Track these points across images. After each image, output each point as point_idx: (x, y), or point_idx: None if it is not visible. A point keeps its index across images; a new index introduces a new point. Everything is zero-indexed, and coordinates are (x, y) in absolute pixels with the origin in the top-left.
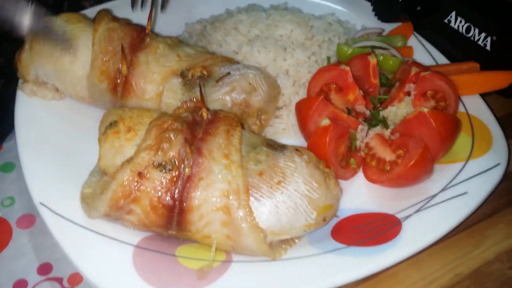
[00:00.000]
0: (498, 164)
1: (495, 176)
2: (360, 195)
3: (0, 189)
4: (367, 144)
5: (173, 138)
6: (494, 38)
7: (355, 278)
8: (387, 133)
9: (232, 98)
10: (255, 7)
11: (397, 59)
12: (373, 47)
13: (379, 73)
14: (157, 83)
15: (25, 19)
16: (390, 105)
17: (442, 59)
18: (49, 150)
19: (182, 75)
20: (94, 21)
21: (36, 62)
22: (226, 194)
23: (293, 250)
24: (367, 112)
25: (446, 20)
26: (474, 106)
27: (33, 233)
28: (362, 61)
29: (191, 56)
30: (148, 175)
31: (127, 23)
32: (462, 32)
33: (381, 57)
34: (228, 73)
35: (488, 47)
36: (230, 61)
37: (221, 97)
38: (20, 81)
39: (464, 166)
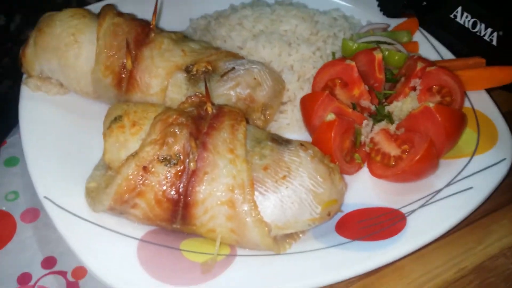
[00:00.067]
0: (503, 159)
1: (501, 171)
2: (364, 190)
3: (4, 183)
4: (372, 139)
5: (178, 132)
6: (501, 33)
7: (359, 272)
8: (392, 128)
9: (237, 93)
10: (260, 3)
11: (402, 54)
12: (379, 42)
13: (385, 68)
14: (162, 78)
15: None
16: (395, 100)
17: (447, 55)
18: (54, 144)
19: (187, 70)
20: (98, 16)
21: (40, 57)
22: (231, 188)
23: (297, 244)
24: (372, 107)
25: (452, 15)
26: (480, 101)
27: (37, 227)
28: (367, 56)
29: (195, 51)
30: (153, 169)
31: (131, 18)
32: (468, 27)
33: (387, 52)
34: (233, 68)
35: (494, 42)
36: (235, 56)
37: (226, 92)
38: (24, 76)
39: (469, 161)
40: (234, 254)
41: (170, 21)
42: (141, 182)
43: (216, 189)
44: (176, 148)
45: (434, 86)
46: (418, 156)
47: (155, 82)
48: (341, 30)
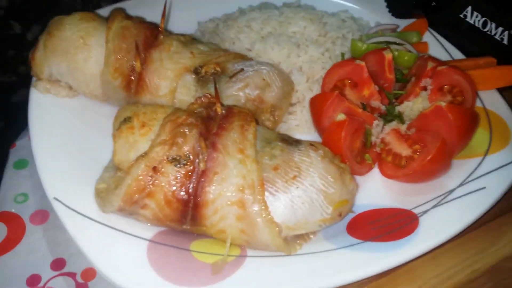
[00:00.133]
0: None
1: None
2: (376, 190)
3: (13, 185)
4: (382, 140)
5: (187, 132)
6: None
7: (371, 273)
8: (403, 128)
9: (246, 94)
10: (268, 5)
11: (412, 54)
12: (388, 43)
13: (394, 68)
14: (171, 79)
15: None
16: (406, 100)
17: (458, 55)
18: (63, 146)
19: (196, 71)
20: (107, 19)
21: (50, 60)
22: (241, 188)
23: (308, 245)
24: (383, 108)
25: (461, 15)
26: (492, 101)
27: (47, 228)
28: (377, 57)
29: (204, 53)
30: (162, 169)
31: (140, 21)
32: (479, 27)
33: (396, 53)
34: (242, 69)
35: (505, 41)
36: (244, 57)
37: (235, 93)
38: (33, 79)
39: (482, 161)
40: (244, 255)
41: (179, 24)
42: (150, 182)
43: (226, 189)
44: (186, 148)
45: (445, 86)
46: (430, 155)
47: (164, 84)
48: (349, 32)
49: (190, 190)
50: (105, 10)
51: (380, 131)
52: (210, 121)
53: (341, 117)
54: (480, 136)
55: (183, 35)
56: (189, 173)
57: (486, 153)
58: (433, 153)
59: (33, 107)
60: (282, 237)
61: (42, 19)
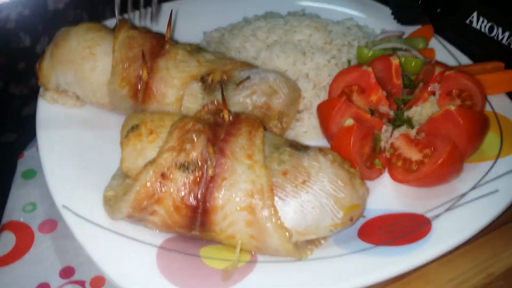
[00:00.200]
0: None
1: None
2: (386, 195)
3: (21, 195)
4: (392, 145)
5: (195, 139)
6: None
7: (383, 278)
8: (412, 133)
9: (253, 101)
10: (273, 14)
11: (419, 60)
12: (394, 49)
13: (402, 74)
14: (177, 88)
15: None
16: (414, 105)
17: (465, 60)
18: (71, 155)
19: (202, 80)
20: (114, 29)
21: (57, 70)
22: (250, 194)
23: (319, 250)
24: (391, 113)
25: (467, 21)
26: (501, 105)
27: (55, 237)
28: (384, 62)
29: (210, 62)
30: (171, 175)
31: (146, 31)
32: (485, 32)
33: (403, 59)
34: (248, 77)
35: None
36: (250, 65)
37: (242, 100)
38: (41, 89)
39: (493, 164)
40: (254, 261)
41: (184, 34)
42: (159, 188)
43: (235, 195)
44: (194, 154)
45: (454, 90)
46: (441, 159)
47: (171, 92)
48: (355, 39)
49: (199, 196)
50: (111, 22)
51: (389, 136)
52: (217, 128)
53: (349, 122)
54: (491, 139)
55: (189, 44)
56: (198, 179)
57: (498, 156)
58: (444, 157)
59: (40, 117)
60: (293, 242)
61: (51, 30)
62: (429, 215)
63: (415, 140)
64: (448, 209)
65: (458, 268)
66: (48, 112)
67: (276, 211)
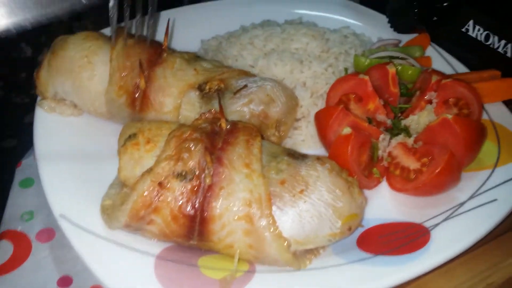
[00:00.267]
0: None
1: None
2: (385, 204)
3: (19, 204)
4: (389, 153)
5: (193, 147)
6: None
7: None
8: (410, 141)
9: (250, 110)
10: (270, 22)
11: (416, 68)
12: (391, 57)
13: (399, 82)
14: (175, 96)
15: None
16: (411, 114)
17: (461, 68)
18: (68, 164)
19: (200, 88)
20: (111, 38)
21: (54, 79)
22: (248, 203)
23: (318, 260)
24: (388, 122)
25: (463, 29)
26: (498, 113)
27: (53, 246)
28: (380, 71)
29: (208, 70)
30: (168, 185)
31: (144, 39)
32: (481, 40)
33: (400, 67)
34: (245, 86)
35: (508, 54)
36: (247, 74)
37: (239, 108)
38: (38, 98)
39: (492, 173)
40: (253, 270)
41: (182, 42)
42: (156, 198)
43: (233, 204)
44: (192, 163)
45: (451, 99)
46: (439, 168)
47: (169, 101)
48: (352, 47)
49: (197, 205)
50: (109, 30)
51: (387, 145)
52: (215, 136)
53: (347, 131)
54: (489, 148)
55: (186, 52)
56: (195, 188)
57: (496, 165)
58: (442, 165)
59: (38, 126)
60: (291, 251)
61: (52, 42)
62: (427, 224)
63: (413, 148)
64: (447, 219)
65: (457, 278)
66: (46, 121)
67: (274, 221)
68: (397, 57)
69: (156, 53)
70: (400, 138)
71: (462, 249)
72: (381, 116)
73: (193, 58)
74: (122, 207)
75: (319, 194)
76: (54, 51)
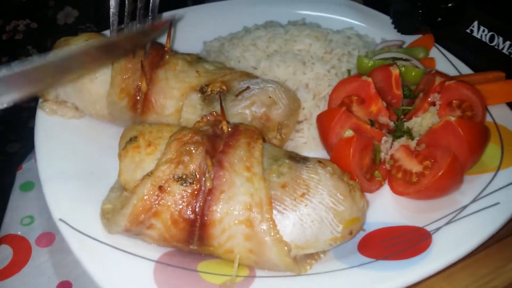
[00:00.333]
0: None
1: None
2: (387, 208)
3: (19, 208)
4: (392, 156)
5: (193, 151)
6: None
7: None
8: (412, 144)
9: (252, 112)
10: (273, 23)
11: (419, 70)
12: (395, 59)
13: (402, 84)
14: (177, 99)
15: None
16: (414, 116)
17: (465, 70)
18: (69, 167)
19: (202, 90)
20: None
21: None
22: (248, 207)
23: (318, 264)
24: (391, 124)
25: (468, 30)
26: (502, 115)
27: (53, 251)
28: (383, 72)
29: (210, 72)
30: (168, 188)
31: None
32: (486, 41)
33: (403, 68)
34: (248, 87)
35: None
36: (249, 76)
37: (241, 111)
38: (39, 100)
39: (494, 176)
40: (253, 276)
41: (184, 44)
42: (157, 202)
43: (233, 208)
44: (192, 166)
45: (454, 101)
46: (442, 171)
47: (170, 103)
48: (355, 48)
49: (197, 209)
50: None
51: (389, 148)
52: (216, 139)
53: (349, 133)
54: (492, 151)
55: (188, 54)
56: (196, 192)
57: (499, 168)
58: (444, 168)
59: (39, 129)
60: (292, 256)
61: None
62: (429, 228)
63: (415, 151)
64: (449, 222)
65: (459, 282)
66: (47, 123)
67: (274, 225)
68: (401, 59)
69: (158, 54)
70: (403, 140)
71: (464, 253)
72: (383, 118)
73: (195, 59)
74: (122, 211)
75: (320, 197)
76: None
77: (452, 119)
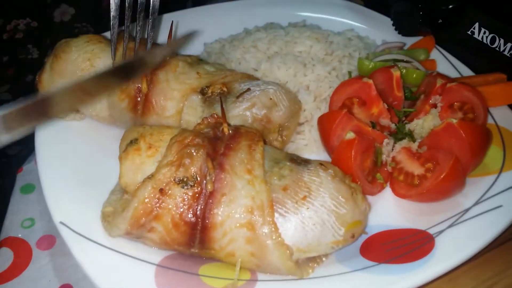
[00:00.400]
0: None
1: None
2: (389, 210)
3: (20, 210)
4: (393, 158)
5: (194, 153)
6: None
7: None
8: (414, 146)
9: (253, 114)
10: (274, 25)
11: (421, 72)
12: (395, 61)
13: (403, 86)
14: (177, 100)
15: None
16: (416, 118)
17: (466, 71)
18: (70, 170)
19: (202, 92)
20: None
21: (56, 83)
22: (250, 210)
23: (320, 268)
24: (392, 126)
25: (469, 32)
26: (503, 117)
27: (53, 254)
28: (384, 74)
29: (210, 73)
30: (169, 191)
31: (146, 42)
32: (487, 43)
33: (404, 70)
34: (248, 89)
35: None
36: (250, 77)
37: (242, 112)
38: None
39: (497, 179)
40: (255, 279)
41: (185, 46)
42: (157, 205)
43: (235, 211)
44: (193, 169)
45: (456, 103)
46: (444, 174)
47: (171, 105)
48: (356, 50)
49: (198, 212)
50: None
51: (391, 150)
52: (217, 142)
53: (350, 135)
54: (494, 153)
55: (189, 56)
56: (197, 195)
57: (501, 171)
58: (447, 171)
59: (39, 131)
60: (294, 260)
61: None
62: (432, 231)
63: (417, 153)
64: (451, 225)
65: (462, 285)
66: (47, 125)
67: (276, 228)
68: (402, 60)
69: None
70: (404, 142)
71: (467, 257)
72: (385, 120)
73: (196, 61)
74: (122, 214)
75: (322, 200)
76: (56, 54)
77: (454, 121)
